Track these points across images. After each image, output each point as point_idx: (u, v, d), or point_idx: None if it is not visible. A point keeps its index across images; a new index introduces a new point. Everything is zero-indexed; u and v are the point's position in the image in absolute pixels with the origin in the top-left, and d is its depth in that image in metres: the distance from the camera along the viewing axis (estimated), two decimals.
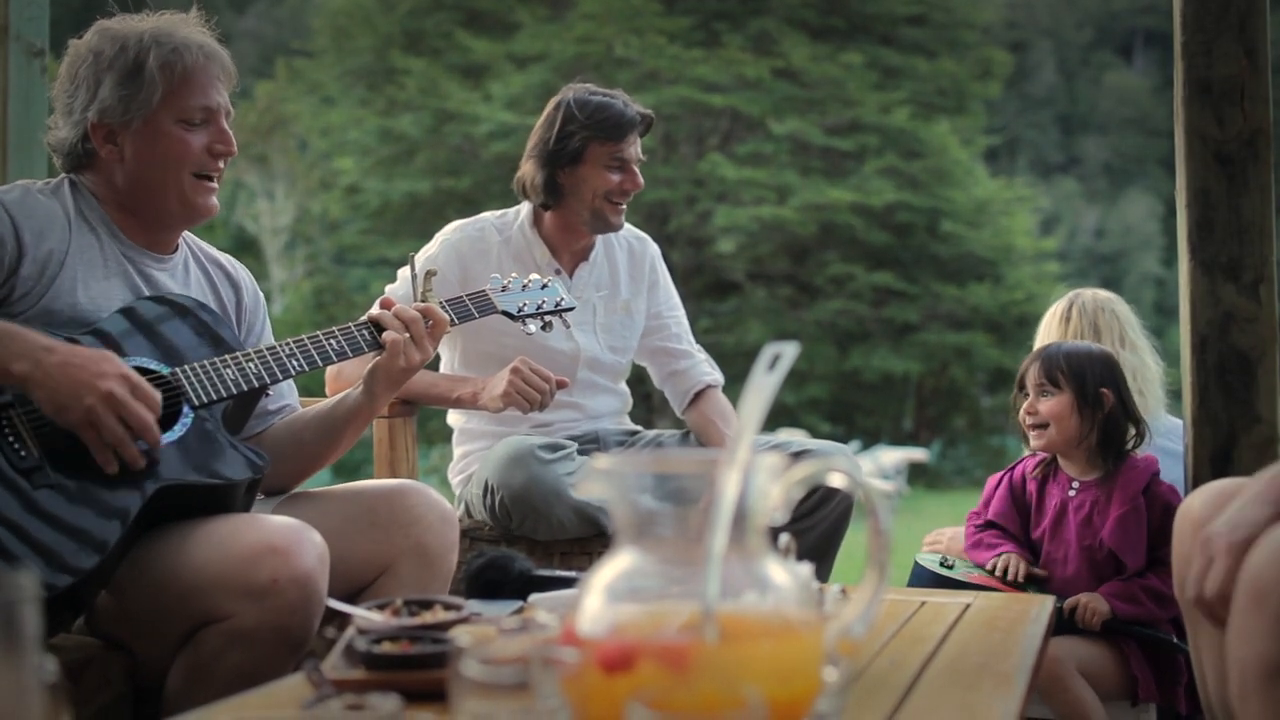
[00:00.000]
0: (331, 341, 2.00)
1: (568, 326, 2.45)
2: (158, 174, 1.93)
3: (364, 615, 1.42)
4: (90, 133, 1.92)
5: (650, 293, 3.00)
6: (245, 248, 21.58)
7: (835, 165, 20.08)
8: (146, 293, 1.96)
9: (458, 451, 2.94)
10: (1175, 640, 2.42)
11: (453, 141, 19.27)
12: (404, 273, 2.84)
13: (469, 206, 15.69)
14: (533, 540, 2.63)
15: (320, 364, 1.99)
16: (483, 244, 2.83)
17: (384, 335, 2.01)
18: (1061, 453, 2.57)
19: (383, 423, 2.75)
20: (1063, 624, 2.39)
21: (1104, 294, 3.11)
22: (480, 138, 18.66)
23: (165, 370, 1.86)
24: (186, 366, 1.87)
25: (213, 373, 1.88)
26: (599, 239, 2.92)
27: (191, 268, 2.09)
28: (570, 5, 19.80)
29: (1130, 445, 2.55)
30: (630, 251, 2.99)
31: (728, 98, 19.21)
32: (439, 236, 2.88)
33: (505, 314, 2.29)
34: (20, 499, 1.67)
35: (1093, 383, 2.52)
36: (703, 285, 19.95)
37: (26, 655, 0.76)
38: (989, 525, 2.60)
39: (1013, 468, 2.67)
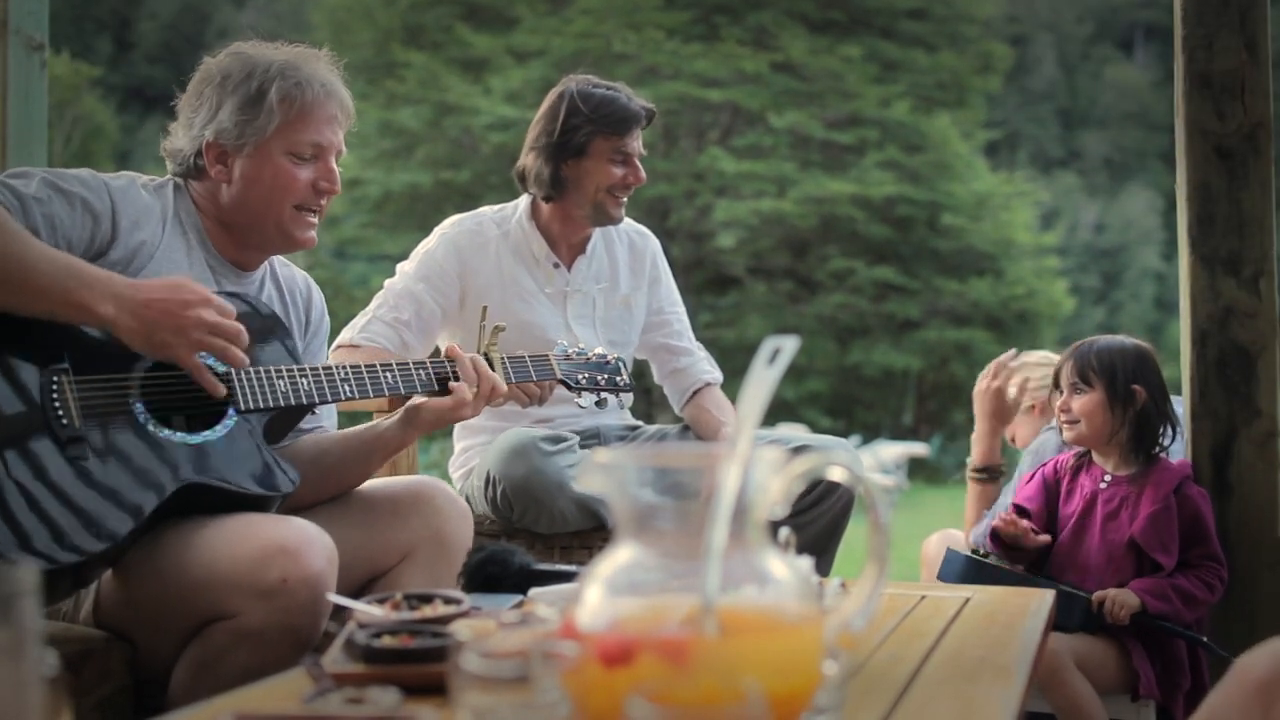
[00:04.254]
0: (388, 375, 2.02)
1: (622, 408, 2.46)
2: (261, 201, 1.97)
3: (364, 609, 1.43)
4: (204, 150, 1.96)
5: (651, 288, 3.00)
6: None
7: (835, 159, 20.09)
8: None
9: (458, 446, 2.94)
10: (1204, 639, 2.43)
11: (452, 135, 19.27)
12: (403, 267, 2.85)
13: (469, 200, 15.68)
14: (533, 534, 2.63)
15: (372, 394, 2.01)
16: (481, 238, 2.83)
17: (453, 384, 2.05)
18: (1094, 447, 2.59)
19: (383, 417, 2.75)
20: (1091, 618, 2.40)
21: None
22: (480, 130, 18.66)
23: (221, 369, 1.86)
24: (242, 370, 1.87)
25: (265, 381, 1.89)
26: (598, 231, 2.92)
27: (267, 285, 2.11)
28: (569, 0, 19.79)
29: (1164, 443, 2.56)
30: (631, 246, 2.99)
31: (727, 92, 19.21)
32: (437, 231, 2.88)
33: (563, 383, 2.31)
34: (53, 468, 1.68)
35: (1124, 379, 2.53)
36: (703, 280, 19.96)
37: (27, 648, 0.76)
38: (1017, 512, 2.61)
39: (1045, 464, 2.68)
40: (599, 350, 2.40)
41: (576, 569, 1.76)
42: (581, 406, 2.36)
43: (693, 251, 19.62)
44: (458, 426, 2.95)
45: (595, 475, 0.97)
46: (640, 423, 3.01)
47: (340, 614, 1.70)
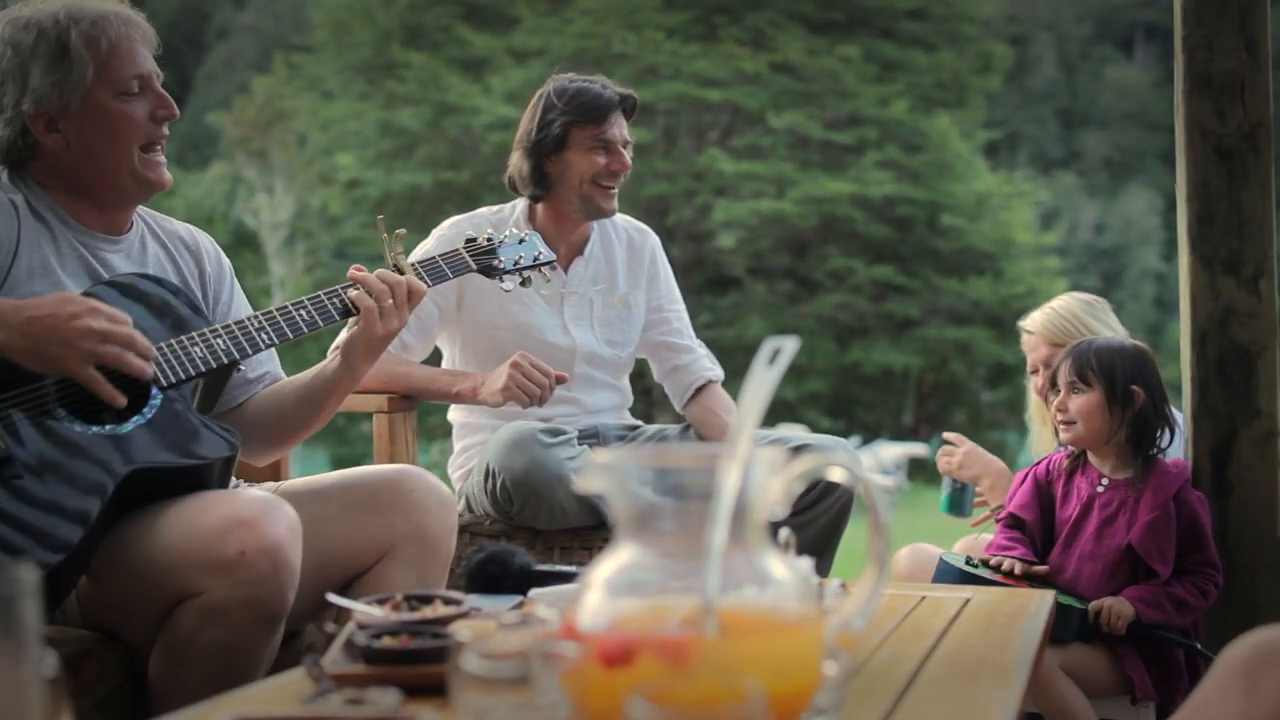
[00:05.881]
0: (301, 312, 1.98)
1: (547, 280, 2.41)
2: (108, 151, 1.90)
3: (364, 610, 1.43)
4: (29, 125, 1.88)
5: (650, 286, 3.00)
6: (245, 243, 21.59)
7: (834, 159, 20.09)
8: (105, 276, 1.92)
9: (458, 446, 2.94)
10: (1199, 646, 2.42)
11: (452, 135, 19.27)
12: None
13: (469, 200, 15.69)
14: (533, 533, 2.63)
15: (290, 336, 1.97)
16: None
17: (353, 295, 2.00)
18: (1091, 449, 2.55)
19: (383, 418, 2.75)
20: (1086, 628, 2.38)
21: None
22: (480, 130, 18.66)
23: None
24: (154, 347, 1.83)
25: (180, 352, 1.86)
26: (595, 232, 2.91)
27: (149, 244, 2.05)
28: (569, 1, 19.79)
29: (1162, 445, 2.52)
30: (629, 243, 2.98)
31: (726, 92, 19.20)
32: (435, 233, 2.88)
33: (481, 271, 2.26)
34: None
35: (1123, 380, 2.48)
36: (703, 280, 19.95)
37: (26, 648, 0.76)
38: (1011, 520, 2.58)
39: (1037, 463, 2.66)
40: (511, 230, 2.36)
41: (576, 569, 1.76)
42: (505, 290, 2.31)
43: (692, 251, 19.61)
44: (456, 425, 2.94)
45: (595, 475, 0.97)
46: (640, 422, 3.01)
47: (340, 614, 1.70)
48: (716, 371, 3.01)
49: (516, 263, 2.29)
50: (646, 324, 2.99)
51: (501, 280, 2.28)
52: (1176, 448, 2.61)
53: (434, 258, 2.20)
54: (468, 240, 2.29)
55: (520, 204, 2.90)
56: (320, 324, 2.00)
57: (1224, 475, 2.69)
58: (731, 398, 2.95)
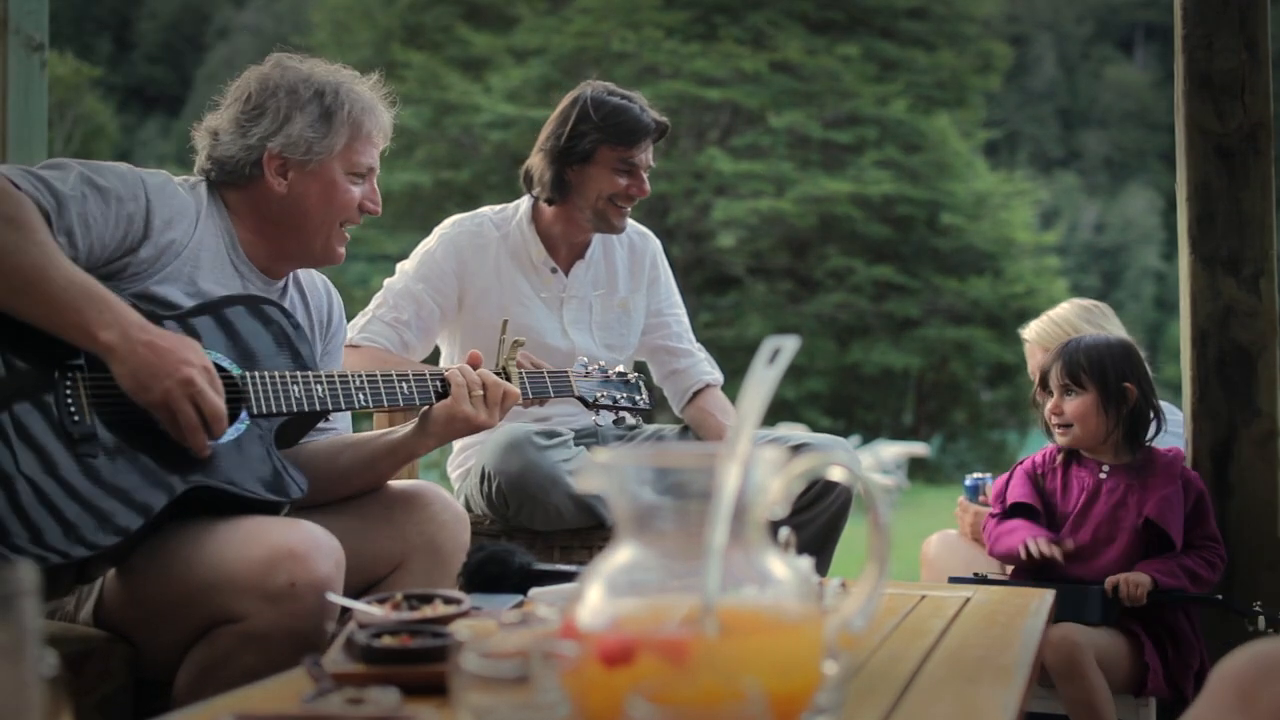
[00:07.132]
0: (403, 385, 2.03)
1: (637, 425, 2.43)
2: (317, 216, 2.03)
3: (364, 609, 1.43)
4: (265, 160, 1.98)
5: (650, 290, 3.00)
6: None
7: (833, 158, 20.10)
8: None
9: (456, 445, 2.94)
10: (1220, 598, 2.46)
11: (452, 134, 19.28)
12: (403, 266, 2.84)
13: (469, 199, 15.69)
14: (532, 533, 2.63)
15: (386, 404, 2.01)
16: (480, 239, 2.83)
17: (449, 371, 2.04)
18: (1089, 449, 2.59)
19: (383, 416, 2.75)
20: (1110, 606, 2.40)
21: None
22: (480, 130, 18.67)
23: (236, 372, 1.87)
24: (257, 374, 1.88)
25: (279, 386, 1.89)
26: (597, 235, 2.91)
27: (290, 290, 2.14)
28: (569, 0, 19.80)
29: (1149, 435, 2.56)
30: (631, 247, 2.98)
31: (726, 91, 19.22)
32: (437, 231, 2.88)
33: (581, 399, 2.32)
34: (62, 464, 1.67)
35: (1115, 378, 2.52)
36: (703, 279, 19.96)
37: (27, 648, 0.76)
38: (1014, 510, 2.58)
39: (1022, 460, 2.67)
40: (619, 369, 2.41)
41: (577, 569, 1.76)
42: (599, 424, 2.37)
43: (692, 251, 19.62)
44: None
45: (595, 475, 0.97)
46: (638, 422, 3.01)
47: (342, 615, 1.70)
48: (715, 375, 3.01)
49: (616, 401, 2.36)
50: (646, 327, 2.99)
51: (596, 413, 2.35)
52: (1163, 437, 2.64)
53: (542, 373, 2.25)
54: (579, 366, 2.36)
55: (524, 204, 2.90)
56: (417, 400, 2.04)
57: (1224, 475, 2.70)
58: (731, 399, 2.95)
